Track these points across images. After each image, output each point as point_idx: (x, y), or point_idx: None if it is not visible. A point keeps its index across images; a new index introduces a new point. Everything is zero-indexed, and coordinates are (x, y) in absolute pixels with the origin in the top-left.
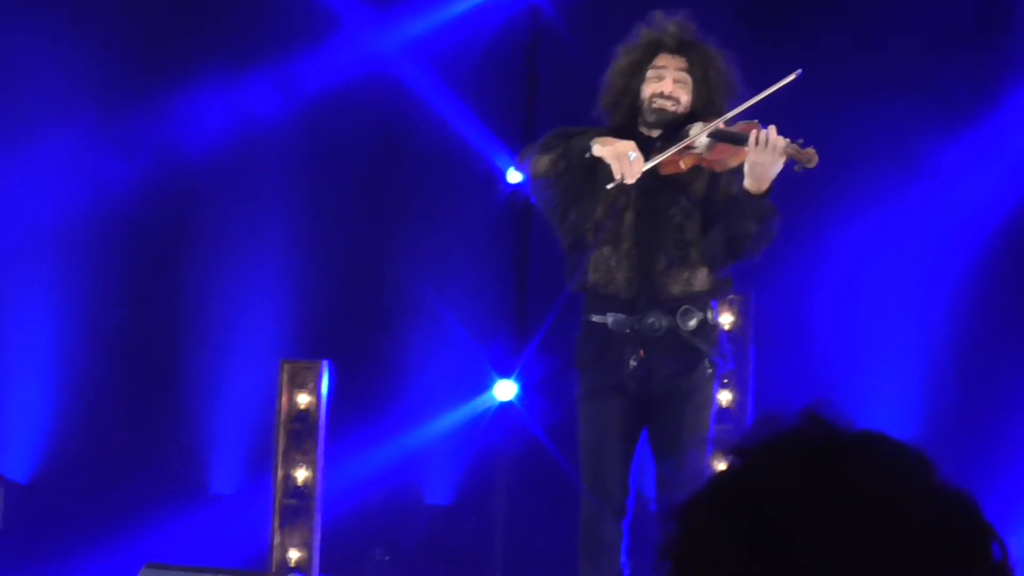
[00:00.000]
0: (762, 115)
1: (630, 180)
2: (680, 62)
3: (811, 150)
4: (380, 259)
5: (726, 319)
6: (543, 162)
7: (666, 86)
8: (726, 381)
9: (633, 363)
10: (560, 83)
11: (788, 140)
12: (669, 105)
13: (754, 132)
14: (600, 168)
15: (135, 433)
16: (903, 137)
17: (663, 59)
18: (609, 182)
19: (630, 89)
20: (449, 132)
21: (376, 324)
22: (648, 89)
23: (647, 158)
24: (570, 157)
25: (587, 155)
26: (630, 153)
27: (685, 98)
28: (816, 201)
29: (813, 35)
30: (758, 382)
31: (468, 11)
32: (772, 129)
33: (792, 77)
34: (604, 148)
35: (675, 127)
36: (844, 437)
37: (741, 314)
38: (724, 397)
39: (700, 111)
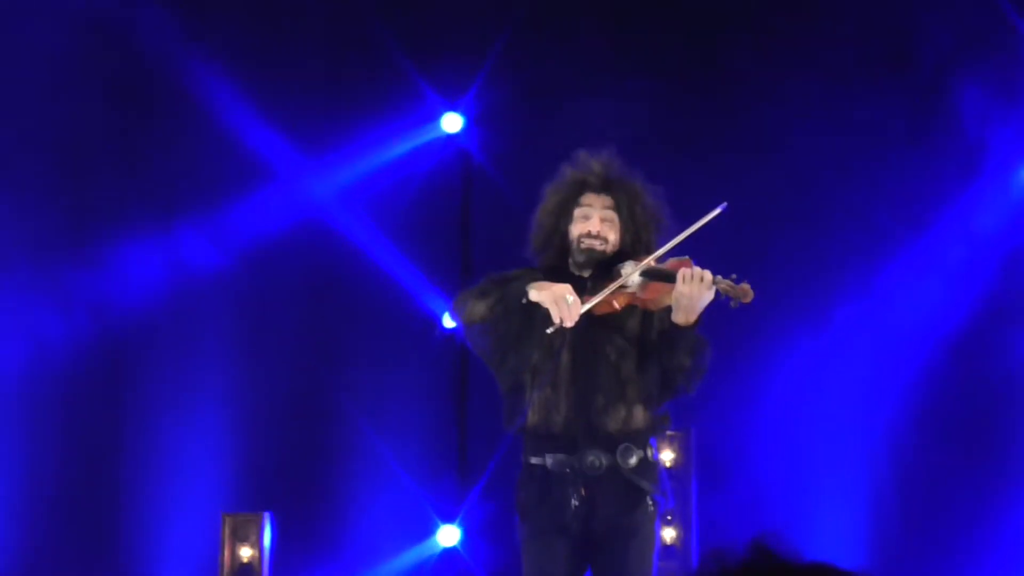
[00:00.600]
0: (692, 246)
1: (569, 323)
2: (606, 200)
3: (746, 285)
4: (319, 406)
5: (667, 455)
6: (479, 308)
7: (593, 226)
8: (669, 518)
9: (575, 503)
10: (493, 225)
11: (720, 276)
12: (597, 244)
13: (683, 268)
14: (537, 312)
15: None
16: (839, 260)
17: (588, 198)
18: (547, 325)
19: (558, 230)
20: (385, 277)
21: (317, 472)
22: (576, 229)
23: (580, 298)
24: (507, 303)
25: (524, 300)
26: (567, 296)
27: (613, 236)
28: (753, 333)
29: (740, 169)
30: (701, 518)
31: (399, 157)
32: (689, 264)
33: (717, 211)
34: (541, 293)
35: (605, 266)
36: (793, 569)
37: (682, 450)
38: (668, 534)
39: (629, 248)
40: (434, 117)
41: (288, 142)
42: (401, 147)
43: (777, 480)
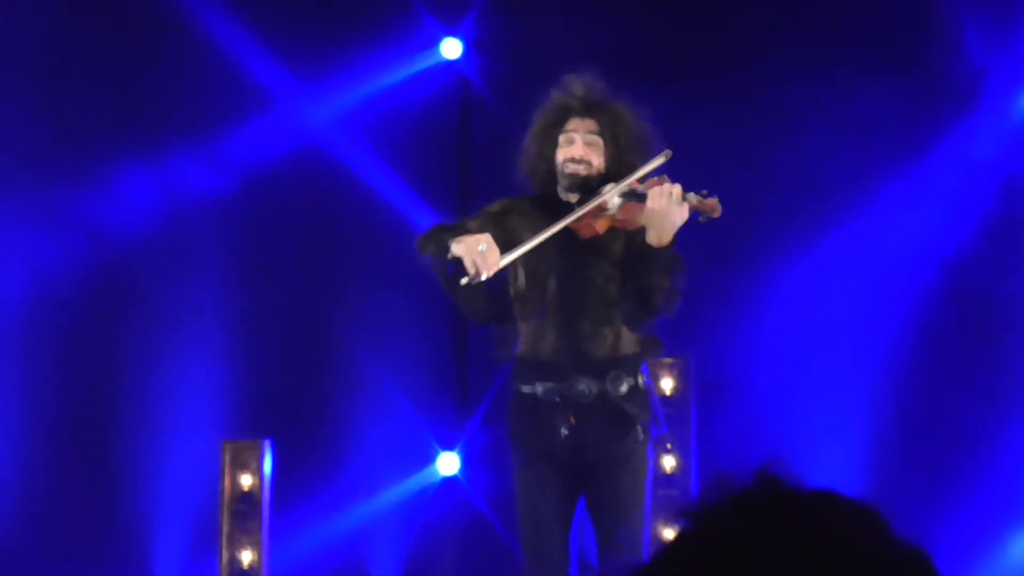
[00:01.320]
0: (691, 159)
1: (485, 272)
2: (589, 124)
3: (714, 200)
4: (319, 333)
5: (666, 383)
6: (425, 257)
7: (576, 150)
8: (669, 446)
9: (564, 432)
10: (492, 151)
11: (691, 193)
12: (581, 169)
13: (651, 185)
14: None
15: (75, 516)
16: (837, 187)
17: (573, 123)
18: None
19: (544, 155)
20: (384, 204)
21: (317, 399)
22: (560, 154)
23: (568, 221)
24: (441, 256)
25: (448, 256)
26: (480, 246)
27: (597, 160)
28: (750, 257)
29: (737, 90)
30: (701, 446)
31: (398, 83)
32: (666, 181)
33: (662, 160)
34: (458, 246)
35: (590, 190)
36: (797, 496)
37: (681, 378)
38: (668, 462)
39: (614, 171)
40: (433, 43)
41: (285, 67)
42: (400, 73)
43: (776, 406)
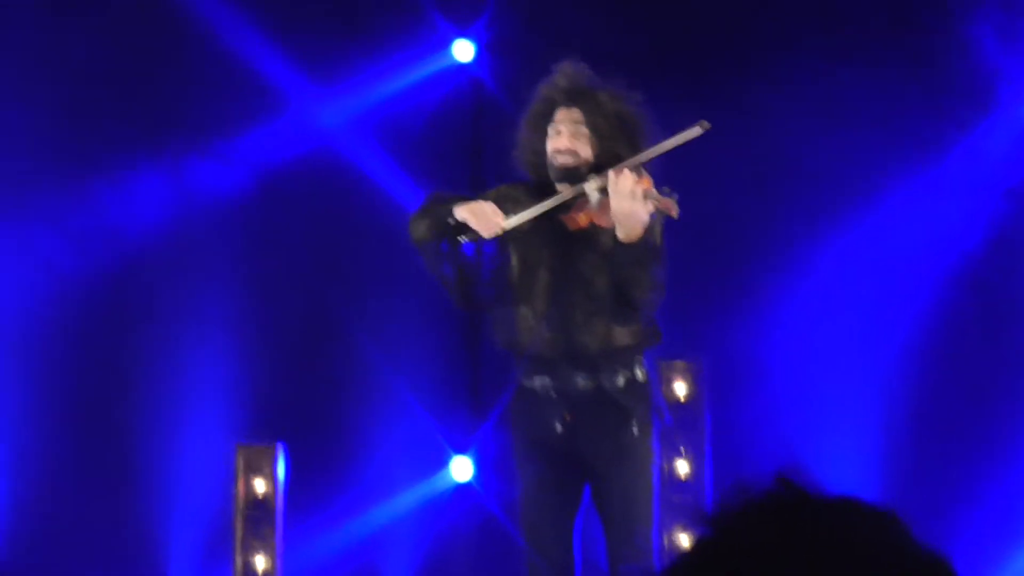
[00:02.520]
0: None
1: (486, 233)
2: (575, 114)
3: (672, 200)
4: (332, 337)
5: (679, 387)
6: (420, 228)
7: (563, 141)
8: (682, 451)
9: (559, 427)
10: (505, 153)
11: (654, 191)
12: (570, 160)
13: (611, 180)
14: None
15: (89, 521)
16: (850, 184)
17: (560, 113)
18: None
19: (534, 147)
20: (396, 206)
21: (330, 403)
22: (549, 146)
23: (555, 218)
24: (440, 222)
25: (450, 220)
26: (485, 208)
27: (585, 150)
28: (762, 260)
29: (746, 89)
30: (715, 450)
31: (410, 85)
32: (628, 175)
33: (697, 131)
34: (463, 209)
35: (579, 179)
36: (816, 501)
37: (694, 382)
38: (681, 468)
39: (603, 160)
40: (445, 45)
41: (299, 69)
42: (412, 75)
43: (791, 409)
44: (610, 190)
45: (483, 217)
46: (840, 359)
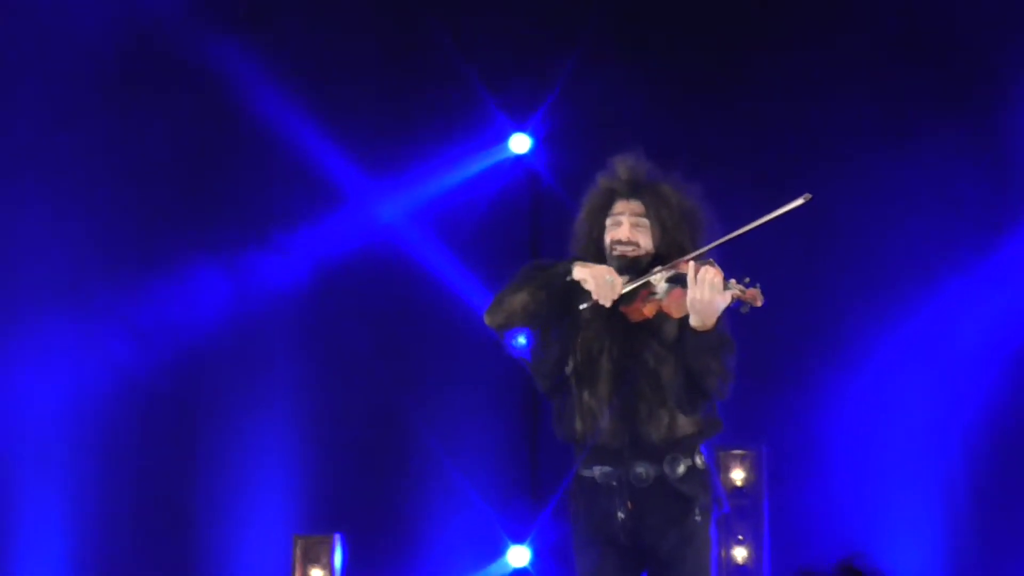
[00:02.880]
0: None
1: (605, 302)
2: (635, 206)
3: (756, 290)
4: (390, 426)
5: (737, 474)
6: (520, 297)
7: (623, 233)
8: (741, 538)
9: (621, 515)
10: (562, 245)
11: (733, 280)
12: (629, 251)
13: (691, 270)
14: (577, 293)
15: None
16: (911, 272)
17: (619, 205)
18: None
19: (592, 238)
20: (455, 298)
21: (388, 493)
22: (608, 237)
23: (616, 308)
24: (550, 283)
25: (568, 278)
26: (607, 276)
27: (644, 241)
28: (823, 347)
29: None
30: (773, 538)
31: (468, 178)
32: (709, 267)
33: (800, 201)
34: (583, 270)
35: (639, 272)
36: None
37: (753, 469)
38: (739, 554)
39: (664, 252)
40: (502, 138)
41: (357, 163)
42: (470, 168)
43: (849, 497)
44: (690, 280)
45: (603, 282)
46: (900, 446)
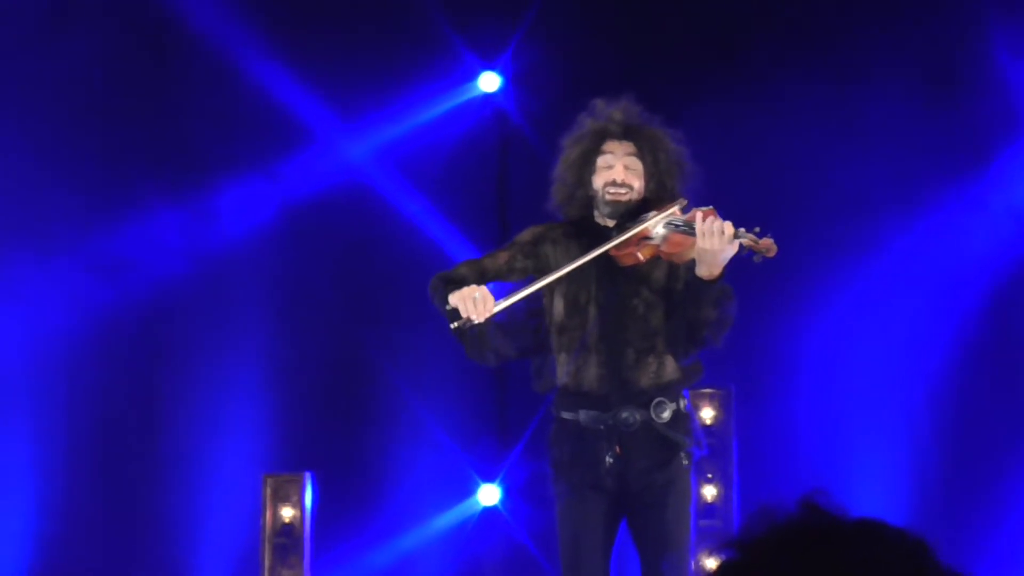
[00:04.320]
0: (724, 199)
1: (477, 319)
2: (628, 147)
3: (769, 239)
4: (359, 366)
5: (707, 413)
6: (435, 302)
7: (616, 174)
8: (710, 476)
9: (610, 460)
10: (530, 184)
11: (743, 229)
12: (623, 194)
13: (699, 220)
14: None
15: (117, 550)
16: (876, 214)
17: (610, 145)
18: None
19: (582, 181)
20: (423, 237)
21: (357, 432)
22: (600, 179)
23: (606, 247)
24: (441, 306)
25: (448, 307)
26: (475, 295)
27: (637, 184)
28: (793, 290)
29: (773, 124)
30: (743, 476)
31: (436, 117)
32: (713, 214)
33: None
34: (454, 297)
35: (630, 216)
36: (843, 525)
37: (723, 408)
38: (709, 492)
39: (653, 196)
40: (471, 77)
41: (323, 103)
42: (438, 107)
43: (818, 437)
44: (698, 228)
45: (470, 302)
46: (867, 384)
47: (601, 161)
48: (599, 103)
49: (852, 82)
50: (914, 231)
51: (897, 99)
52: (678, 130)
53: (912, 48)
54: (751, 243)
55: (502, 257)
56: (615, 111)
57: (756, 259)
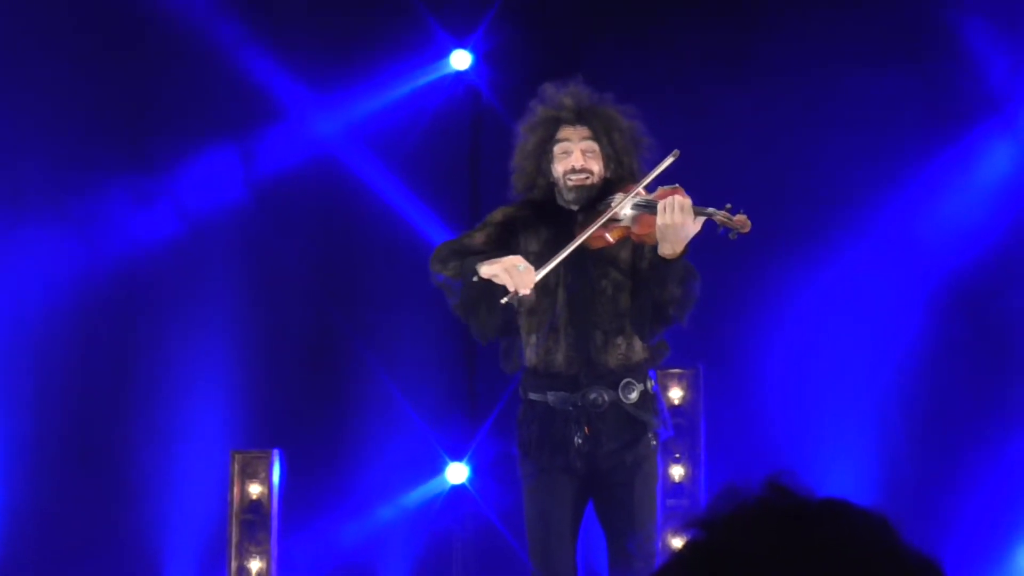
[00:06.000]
0: (696, 179)
1: (524, 291)
2: (583, 131)
3: (743, 216)
4: (328, 343)
5: (675, 393)
6: (443, 275)
7: (576, 160)
8: (678, 456)
9: (579, 440)
10: (502, 162)
11: (712, 208)
12: (584, 179)
13: (664, 199)
14: (493, 284)
15: (85, 526)
16: (847, 197)
17: (565, 132)
18: (503, 294)
19: (541, 169)
20: (394, 215)
21: (326, 409)
22: (559, 167)
23: (571, 232)
24: (463, 277)
25: (475, 279)
26: (519, 265)
27: (597, 167)
28: (762, 271)
29: (748, 100)
30: (710, 456)
31: (408, 94)
32: (679, 192)
33: (670, 160)
34: (492, 267)
35: (595, 199)
36: (808, 505)
37: (691, 388)
38: (676, 472)
39: (614, 176)
40: (443, 54)
41: (295, 78)
42: (410, 84)
43: (786, 416)
44: (660, 206)
45: (515, 273)
46: (836, 366)
47: (558, 148)
48: (548, 88)
49: (824, 61)
50: (886, 212)
51: (870, 76)
52: (630, 104)
53: (884, 23)
54: (725, 219)
55: (478, 237)
56: (565, 96)
57: (732, 236)
